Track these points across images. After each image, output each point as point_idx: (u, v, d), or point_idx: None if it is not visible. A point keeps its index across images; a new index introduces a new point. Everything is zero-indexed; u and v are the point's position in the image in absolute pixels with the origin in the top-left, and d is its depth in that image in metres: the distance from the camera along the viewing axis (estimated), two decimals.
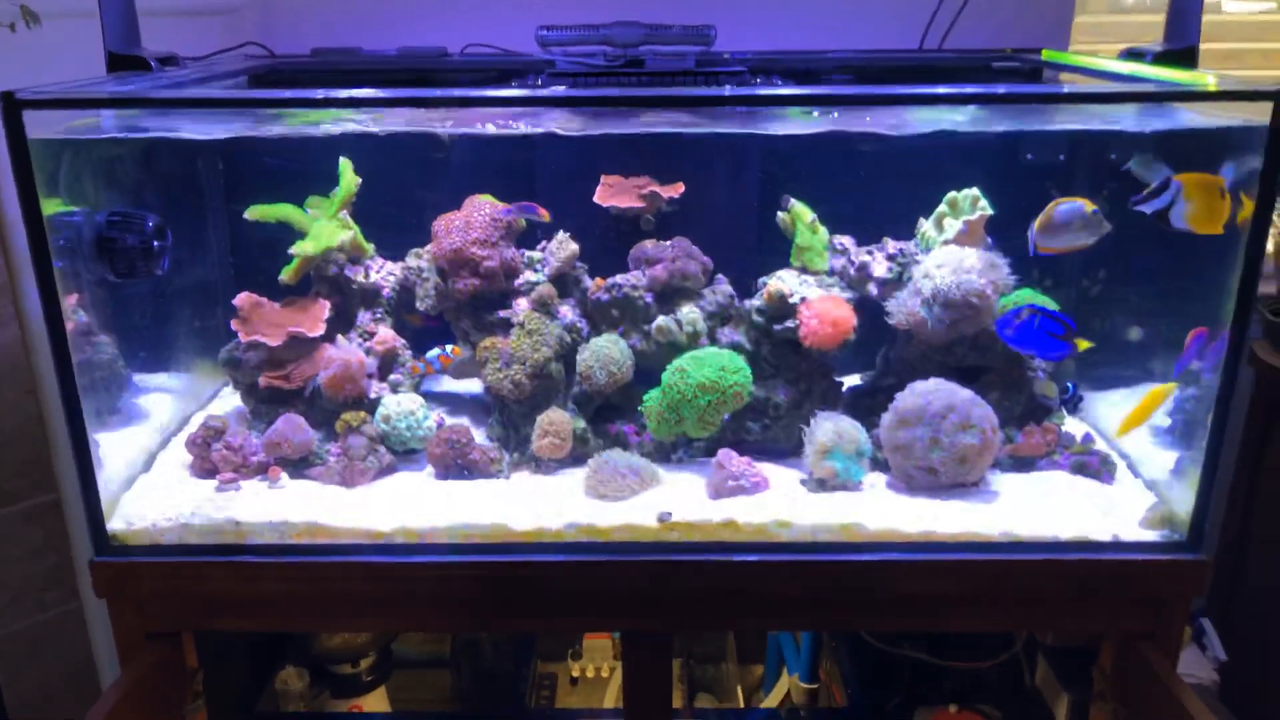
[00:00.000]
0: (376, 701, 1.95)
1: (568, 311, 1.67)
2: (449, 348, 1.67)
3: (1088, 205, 1.46)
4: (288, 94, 1.45)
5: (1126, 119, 1.56)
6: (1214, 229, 1.35)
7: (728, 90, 1.39)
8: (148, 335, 1.72)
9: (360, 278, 1.72)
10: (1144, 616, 1.45)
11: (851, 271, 1.66)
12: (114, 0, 1.51)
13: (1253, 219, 1.28)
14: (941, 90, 1.36)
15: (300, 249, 1.65)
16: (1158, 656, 1.43)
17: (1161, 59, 1.53)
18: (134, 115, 1.48)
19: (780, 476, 1.58)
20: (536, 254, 1.70)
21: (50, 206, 1.31)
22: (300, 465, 1.59)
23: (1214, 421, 1.37)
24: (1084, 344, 1.53)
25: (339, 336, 1.67)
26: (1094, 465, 1.58)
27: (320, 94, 1.32)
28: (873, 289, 1.65)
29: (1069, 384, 1.72)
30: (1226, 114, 1.40)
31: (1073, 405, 1.73)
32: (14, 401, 1.68)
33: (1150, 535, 1.44)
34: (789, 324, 1.60)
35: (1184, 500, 1.42)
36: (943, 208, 1.65)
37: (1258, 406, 2.15)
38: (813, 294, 1.61)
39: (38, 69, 1.40)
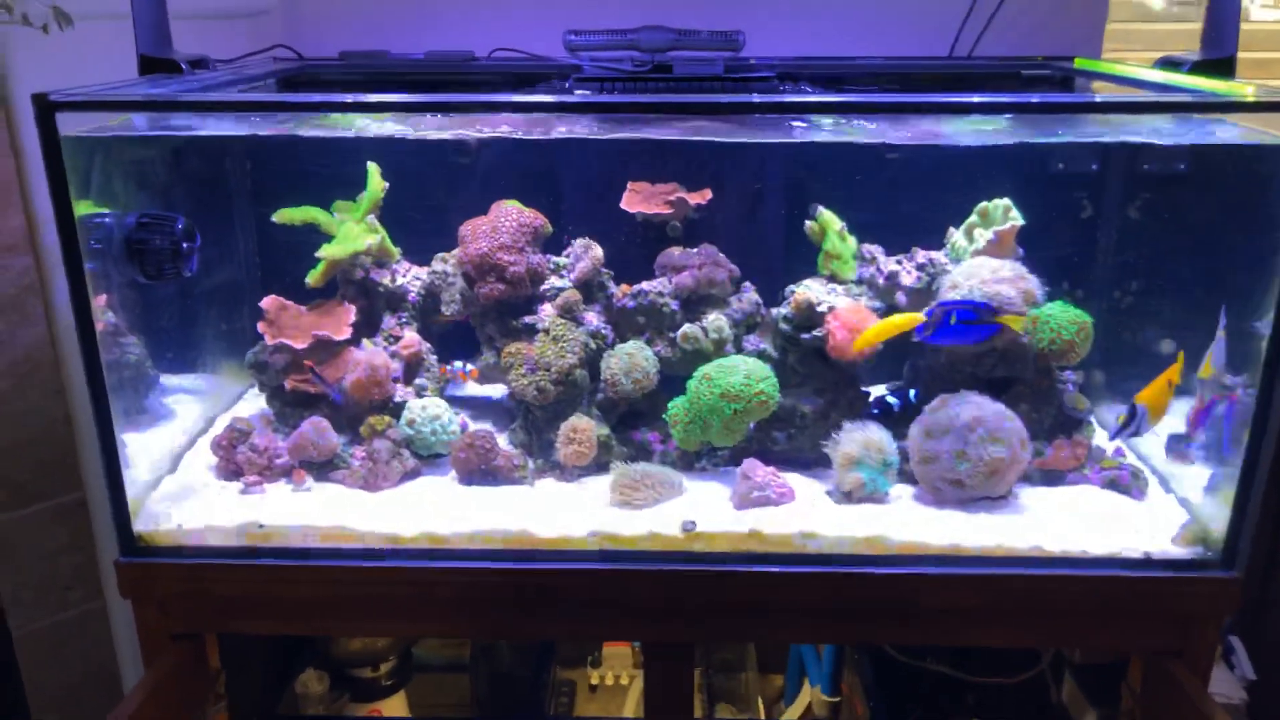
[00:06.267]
0: (396, 706, 1.95)
1: (593, 318, 1.67)
2: (469, 367, 1.68)
3: None
4: (318, 98, 1.44)
5: (1164, 129, 1.54)
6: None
7: (756, 97, 1.37)
8: (175, 336, 1.72)
9: (386, 281, 1.72)
10: (1174, 634, 1.42)
11: (880, 281, 1.64)
12: (146, 4, 1.51)
13: None
14: (975, 99, 1.34)
15: (327, 252, 1.65)
16: (1187, 675, 1.40)
17: (1198, 68, 1.51)
18: (165, 117, 1.48)
19: (806, 487, 1.57)
20: (563, 259, 1.69)
21: (81, 208, 1.32)
22: (325, 468, 1.59)
23: (1251, 437, 1.34)
24: (1013, 320, 1.50)
25: (364, 340, 1.67)
26: (1125, 480, 1.56)
27: (350, 99, 1.33)
28: (901, 298, 1.64)
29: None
30: (1267, 126, 1.38)
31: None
32: (41, 400, 1.69)
33: (1182, 552, 1.42)
34: (816, 333, 1.59)
35: (1217, 517, 1.40)
36: (973, 218, 1.64)
37: None
38: (840, 303, 1.59)
39: (70, 71, 1.41)
